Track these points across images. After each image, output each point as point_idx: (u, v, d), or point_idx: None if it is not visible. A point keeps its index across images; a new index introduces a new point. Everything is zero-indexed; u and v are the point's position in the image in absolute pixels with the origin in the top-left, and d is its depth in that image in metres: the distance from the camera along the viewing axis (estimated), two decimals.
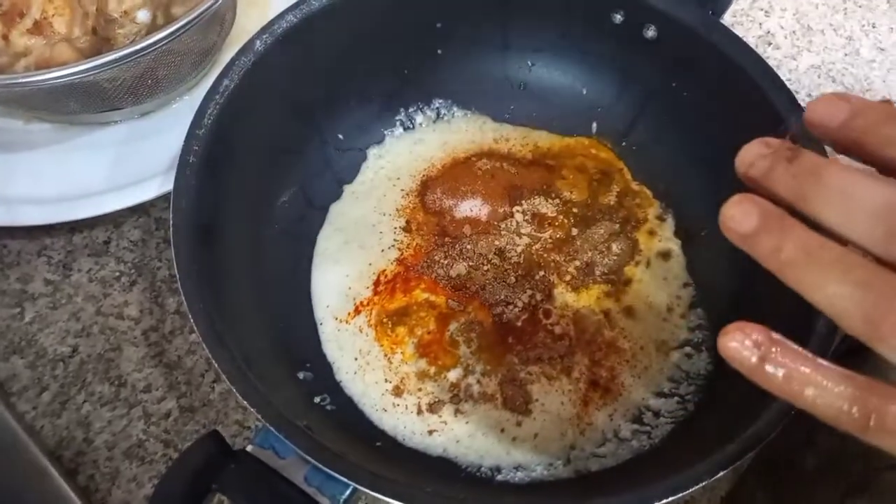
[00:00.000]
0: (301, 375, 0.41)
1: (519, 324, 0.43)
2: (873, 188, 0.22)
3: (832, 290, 0.22)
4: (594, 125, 0.51)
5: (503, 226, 0.47)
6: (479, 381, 0.42)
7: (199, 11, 0.45)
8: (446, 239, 0.46)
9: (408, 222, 0.47)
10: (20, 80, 0.42)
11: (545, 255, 0.46)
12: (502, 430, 0.40)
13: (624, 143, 0.50)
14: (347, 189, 0.49)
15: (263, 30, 0.43)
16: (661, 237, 0.47)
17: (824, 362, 0.23)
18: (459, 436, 0.40)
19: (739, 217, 0.23)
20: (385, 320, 0.44)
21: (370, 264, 0.46)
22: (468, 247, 0.46)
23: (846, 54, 0.61)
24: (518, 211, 0.47)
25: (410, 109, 0.52)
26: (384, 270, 0.46)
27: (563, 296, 0.44)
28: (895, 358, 0.21)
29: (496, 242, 0.46)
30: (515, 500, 0.39)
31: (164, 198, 0.47)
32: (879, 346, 0.21)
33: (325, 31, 0.45)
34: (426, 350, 0.43)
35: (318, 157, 0.49)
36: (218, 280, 0.38)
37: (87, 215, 0.47)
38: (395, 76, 0.50)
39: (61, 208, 0.47)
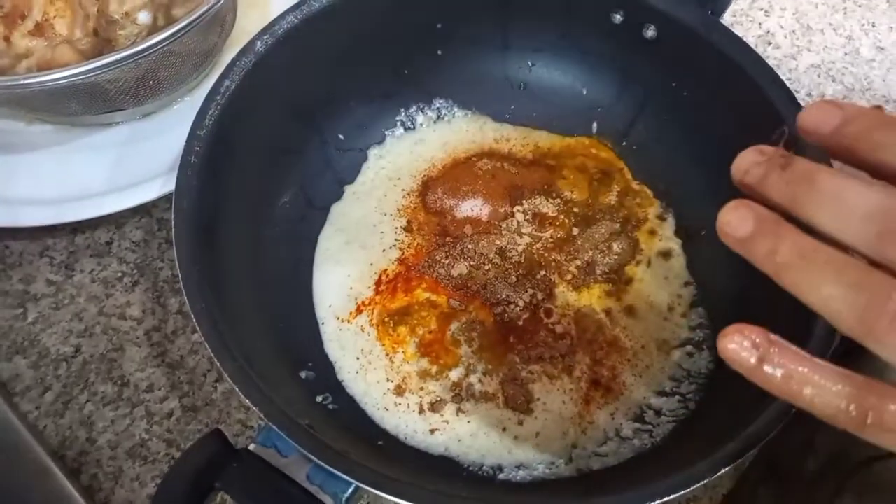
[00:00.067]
0: (303, 375, 0.41)
1: (520, 323, 0.43)
2: (865, 192, 0.22)
3: (826, 291, 0.22)
4: (594, 125, 0.51)
5: (504, 225, 0.47)
6: (480, 381, 0.42)
7: (200, 13, 0.45)
8: (447, 239, 0.47)
9: (409, 222, 0.48)
10: (22, 82, 0.43)
11: (546, 255, 0.46)
12: (504, 429, 0.40)
13: (624, 143, 0.51)
14: (348, 189, 0.49)
15: (264, 31, 0.43)
16: (662, 236, 0.47)
17: (822, 362, 0.23)
18: (461, 435, 0.40)
19: (735, 222, 0.24)
20: (387, 320, 0.44)
21: (371, 264, 0.46)
22: (469, 246, 0.46)
23: (846, 54, 0.61)
24: (519, 211, 0.48)
25: (411, 109, 0.52)
26: (385, 270, 0.46)
27: (565, 295, 0.45)
28: (890, 357, 0.21)
29: (497, 242, 0.46)
30: (517, 499, 0.39)
31: (165, 198, 0.47)
32: (874, 345, 0.21)
33: (326, 31, 0.45)
34: (428, 349, 0.43)
35: (318, 158, 0.49)
36: (220, 280, 0.38)
37: (89, 216, 0.47)
38: (396, 76, 0.51)
39: (63, 209, 0.47)
